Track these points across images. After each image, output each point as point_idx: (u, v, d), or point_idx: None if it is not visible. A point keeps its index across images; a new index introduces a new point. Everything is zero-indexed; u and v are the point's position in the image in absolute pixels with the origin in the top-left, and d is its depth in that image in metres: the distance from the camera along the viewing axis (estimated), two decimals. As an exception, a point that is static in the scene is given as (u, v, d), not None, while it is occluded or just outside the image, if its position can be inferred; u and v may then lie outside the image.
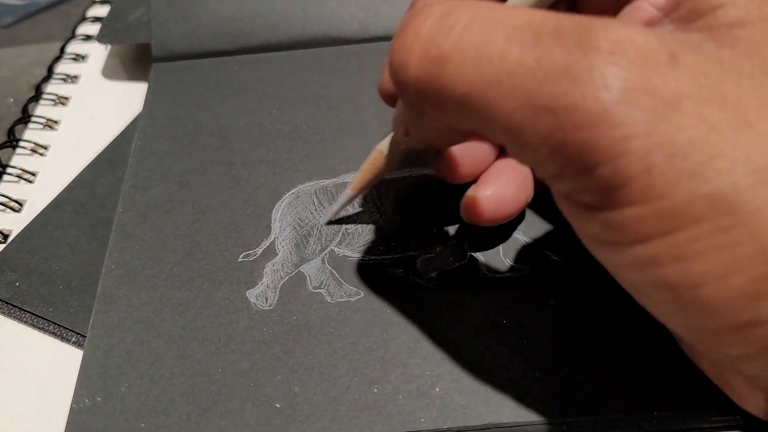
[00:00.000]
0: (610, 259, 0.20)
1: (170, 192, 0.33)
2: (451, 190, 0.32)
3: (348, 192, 0.29)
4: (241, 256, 0.30)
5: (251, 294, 0.29)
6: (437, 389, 0.25)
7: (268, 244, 0.30)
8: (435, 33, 0.19)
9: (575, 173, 0.17)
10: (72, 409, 0.26)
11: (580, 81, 0.16)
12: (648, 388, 0.25)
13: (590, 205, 0.18)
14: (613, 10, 0.22)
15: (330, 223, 0.31)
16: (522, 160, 0.20)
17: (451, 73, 0.18)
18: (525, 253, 0.29)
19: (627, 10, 0.21)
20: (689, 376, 0.25)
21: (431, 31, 0.19)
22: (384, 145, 0.27)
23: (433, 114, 0.20)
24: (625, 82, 0.16)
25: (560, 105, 0.17)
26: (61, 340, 0.30)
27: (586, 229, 0.19)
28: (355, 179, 0.29)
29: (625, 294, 0.27)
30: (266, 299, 0.29)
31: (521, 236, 0.30)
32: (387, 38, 0.39)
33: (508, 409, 0.25)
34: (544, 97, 0.17)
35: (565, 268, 0.28)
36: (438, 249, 0.30)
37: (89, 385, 0.26)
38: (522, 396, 0.25)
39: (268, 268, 0.30)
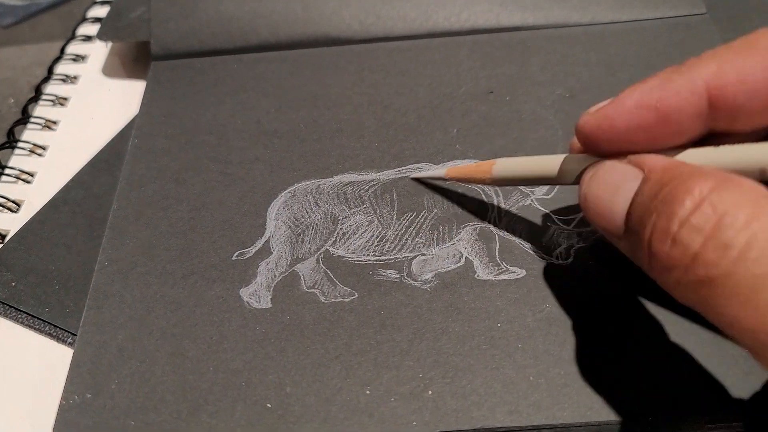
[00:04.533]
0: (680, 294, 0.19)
1: (166, 189, 0.33)
2: (446, 191, 0.31)
3: (441, 172, 0.31)
4: (235, 254, 0.30)
5: (245, 293, 0.29)
6: (430, 392, 0.25)
7: (262, 243, 0.30)
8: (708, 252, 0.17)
9: None
10: (61, 406, 0.26)
11: None
12: (642, 393, 0.24)
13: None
14: None
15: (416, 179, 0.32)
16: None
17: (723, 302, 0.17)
18: (520, 255, 0.29)
19: None
20: (684, 382, 0.25)
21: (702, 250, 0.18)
22: (501, 167, 0.27)
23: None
24: None
25: None
26: (57, 341, 0.30)
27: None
28: (457, 170, 0.30)
29: (620, 299, 0.27)
30: (259, 298, 0.28)
31: (517, 239, 0.30)
32: (387, 39, 0.39)
33: (501, 413, 0.24)
34: None
35: (560, 272, 0.28)
36: (434, 251, 0.30)
37: (79, 382, 0.26)
38: (514, 400, 0.25)
39: (262, 266, 0.29)
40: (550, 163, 0.25)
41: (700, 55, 0.22)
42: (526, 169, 0.27)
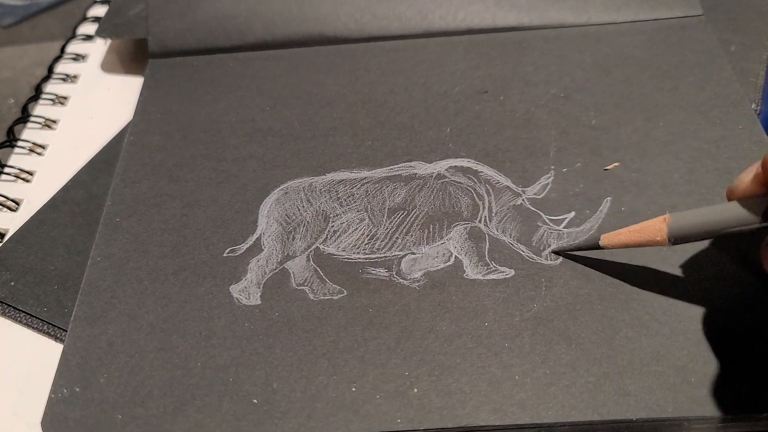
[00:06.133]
0: None
1: (159, 186, 0.33)
2: (438, 190, 0.32)
3: (595, 240, 0.27)
4: (227, 251, 0.30)
5: (234, 289, 0.29)
6: (415, 390, 0.25)
7: (253, 240, 0.30)
8: None
9: None
10: (50, 399, 0.26)
11: None
12: (627, 394, 0.24)
13: None
14: None
15: (556, 253, 0.29)
16: None
17: None
18: (510, 255, 0.29)
19: None
20: (669, 382, 0.24)
21: None
22: (677, 223, 0.25)
23: None
24: None
25: None
26: (55, 340, 0.30)
27: None
28: (617, 240, 0.26)
29: (607, 299, 0.27)
30: (249, 295, 0.29)
31: (507, 239, 0.30)
32: (383, 38, 0.39)
33: (485, 412, 0.24)
34: None
35: (549, 272, 0.28)
36: (423, 249, 0.30)
37: (68, 375, 0.26)
38: (500, 399, 0.25)
39: (253, 263, 0.30)
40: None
41: None
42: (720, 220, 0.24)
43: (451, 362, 0.26)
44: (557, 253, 0.29)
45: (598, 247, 0.27)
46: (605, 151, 0.32)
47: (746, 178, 0.24)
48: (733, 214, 0.24)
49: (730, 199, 0.24)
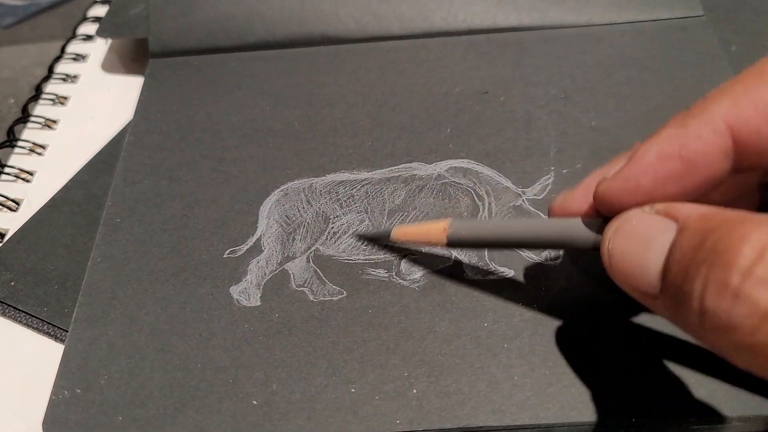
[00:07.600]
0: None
1: (160, 186, 0.33)
2: (438, 191, 0.32)
3: (389, 233, 0.29)
4: (227, 252, 0.30)
5: (234, 290, 0.29)
6: (414, 391, 0.25)
7: (254, 241, 0.30)
8: None
9: None
10: (51, 401, 0.26)
11: None
12: (627, 395, 0.24)
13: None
14: None
15: (359, 236, 0.30)
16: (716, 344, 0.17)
17: None
18: (509, 255, 0.29)
19: None
20: (668, 384, 0.25)
21: None
22: (455, 228, 0.26)
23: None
24: None
25: None
26: (55, 340, 0.30)
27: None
28: (403, 233, 0.28)
29: (607, 300, 0.27)
30: (249, 296, 0.29)
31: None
32: (383, 38, 0.39)
33: (484, 413, 0.24)
34: None
35: (549, 272, 0.28)
36: (423, 250, 0.30)
37: (69, 377, 0.27)
38: (498, 400, 0.25)
39: (253, 264, 0.30)
40: (535, 225, 0.24)
41: (705, 95, 0.21)
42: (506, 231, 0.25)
43: (450, 363, 0.26)
44: (360, 237, 0.30)
45: (388, 237, 0.29)
46: (605, 152, 0.32)
47: (577, 195, 0.24)
48: (502, 230, 0.25)
49: (551, 215, 0.25)
